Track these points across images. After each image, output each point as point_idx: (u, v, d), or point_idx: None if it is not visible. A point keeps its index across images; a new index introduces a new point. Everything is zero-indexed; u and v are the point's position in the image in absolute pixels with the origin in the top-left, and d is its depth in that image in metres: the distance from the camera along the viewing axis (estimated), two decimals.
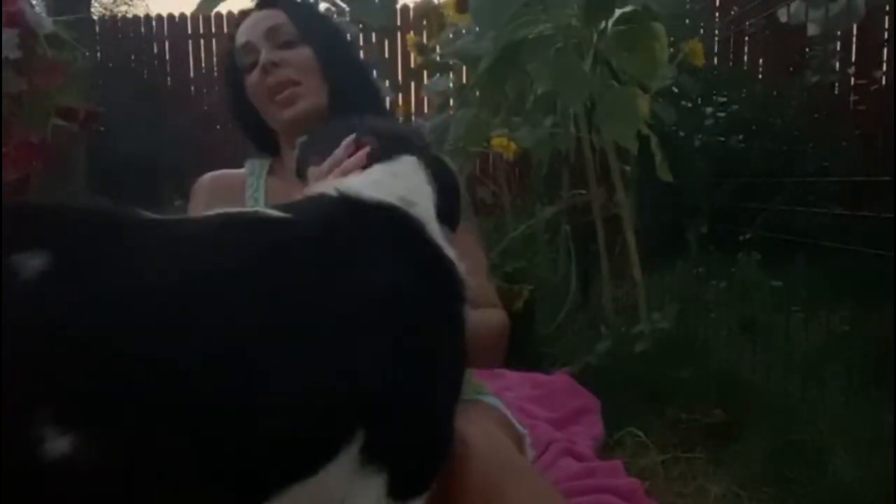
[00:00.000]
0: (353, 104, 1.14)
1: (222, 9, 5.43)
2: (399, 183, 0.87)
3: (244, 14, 1.25)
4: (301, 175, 1.01)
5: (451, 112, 2.65)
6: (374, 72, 4.80)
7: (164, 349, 0.59)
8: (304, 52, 1.18)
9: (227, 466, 0.62)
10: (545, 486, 0.91)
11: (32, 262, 0.57)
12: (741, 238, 2.70)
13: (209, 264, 0.66)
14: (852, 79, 3.80)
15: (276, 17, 1.19)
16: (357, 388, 0.69)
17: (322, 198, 0.82)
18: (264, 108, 1.21)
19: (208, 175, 1.30)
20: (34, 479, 0.54)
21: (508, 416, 1.15)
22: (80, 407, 0.56)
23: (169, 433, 0.59)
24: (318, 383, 0.66)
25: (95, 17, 6.20)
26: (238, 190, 1.26)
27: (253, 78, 1.19)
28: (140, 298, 0.60)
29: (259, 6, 1.24)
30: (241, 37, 1.21)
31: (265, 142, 1.29)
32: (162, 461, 0.59)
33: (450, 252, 0.84)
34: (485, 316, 1.05)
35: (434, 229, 0.85)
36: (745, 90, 3.64)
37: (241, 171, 1.31)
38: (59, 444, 0.54)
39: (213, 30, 5.61)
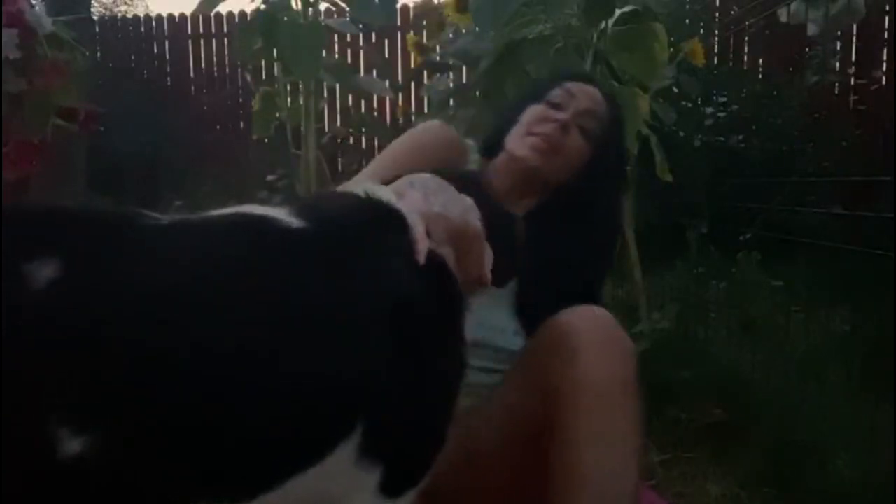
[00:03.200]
0: (569, 209, 1.22)
1: (222, 9, 5.46)
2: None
3: (591, 79, 1.35)
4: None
5: (451, 112, 2.64)
6: (374, 71, 4.82)
7: (169, 348, 0.61)
8: (579, 145, 1.22)
9: (232, 456, 0.64)
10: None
11: (43, 272, 0.58)
12: (741, 238, 2.69)
13: (215, 265, 0.68)
14: (852, 79, 3.80)
15: (601, 111, 1.25)
16: (358, 384, 0.71)
17: (348, 197, 0.86)
18: (519, 134, 1.23)
19: (447, 131, 1.31)
20: (49, 479, 0.56)
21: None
22: (92, 408, 0.57)
23: (175, 428, 0.61)
24: (320, 378, 0.68)
25: (95, 17, 6.20)
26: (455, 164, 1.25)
27: (542, 112, 1.23)
28: (147, 299, 0.62)
29: (605, 96, 1.29)
30: (573, 89, 1.25)
31: (492, 147, 1.28)
32: (168, 455, 0.61)
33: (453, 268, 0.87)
34: None
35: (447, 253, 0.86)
36: (745, 90, 3.64)
37: (469, 146, 1.31)
38: (72, 445, 0.55)
39: (213, 30, 5.61)
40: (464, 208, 0.87)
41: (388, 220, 0.83)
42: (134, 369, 0.59)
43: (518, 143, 1.22)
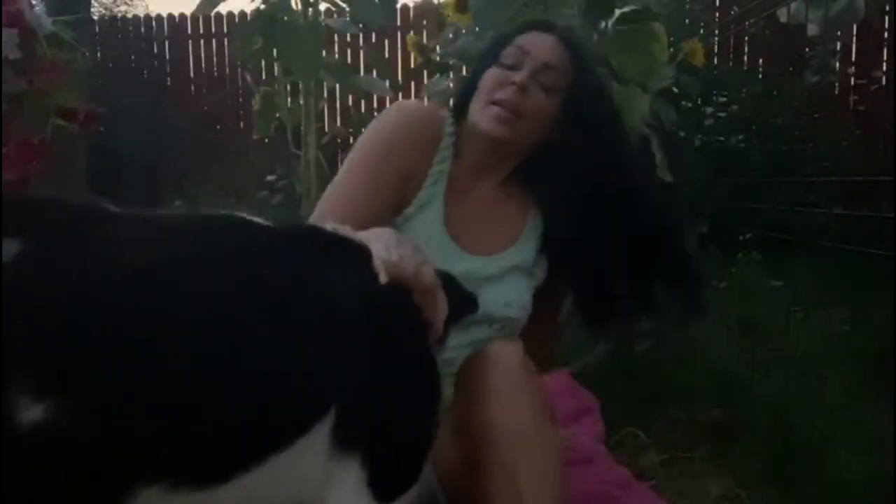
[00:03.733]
0: (546, 164, 1.19)
1: (222, 9, 5.45)
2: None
3: (546, 26, 1.24)
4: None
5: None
6: (374, 71, 4.82)
7: (132, 326, 0.64)
8: (548, 102, 1.17)
9: (202, 435, 0.66)
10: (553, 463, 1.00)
11: (7, 249, 0.62)
12: (741, 238, 2.69)
13: (174, 248, 0.72)
14: (852, 79, 3.80)
15: (562, 59, 1.18)
16: (329, 366, 0.74)
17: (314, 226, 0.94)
18: (479, 105, 1.18)
19: (412, 114, 1.26)
20: (10, 444, 0.58)
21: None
22: (56, 378, 0.60)
23: (142, 403, 0.63)
24: (290, 360, 0.71)
25: (95, 17, 6.20)
26: (428, 152, 1.22)
27: (497, 76, 1.17)
28: (112, 281, 0.65)
29: (561, 36, 1.22)
30: (526, 42, 1.19)
31: (460, 114, 1.24)
32: (128, 430, 0.62)
33: None
34: None
35: None
36: (745, 90, 3.64)
37: (440, 123, 1.24)
38: (32, 413, 0.58)
39: (213, 30, 5.61)
40: (420, 262, 0.90)
41: (352, 243, 0.89)
42: (92, 341, 0.62)
43: (479, 114, 1.17)
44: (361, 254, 0.87)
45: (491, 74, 1.18)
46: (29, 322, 0.61)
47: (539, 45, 1.19)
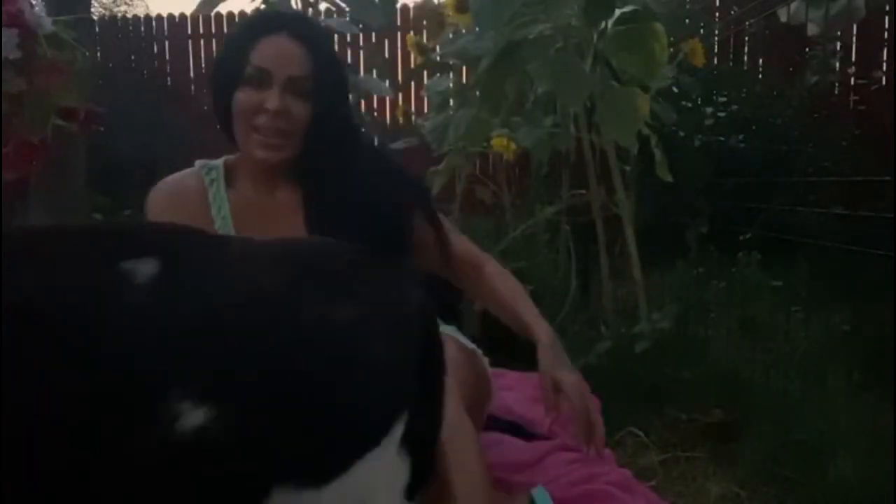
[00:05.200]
0: (328, 156, 1.21)
1: (222, 9, 5.45)
2: None
3: (273, 24, 1.21)
4: None
5: (451, 112, 2.64)
6: (374, 71, 4.82)
7: (270, 338, 0.70)
8: (306, 109, 1.18)
9: (321, 435, 0.71)
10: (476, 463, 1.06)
11: (145, 268, 0.67)
12: (741, 238, 2.69)
13: (292, 273, 0.79)
14: (852, 79, 3.80)
15: (303, 64, 1.18)
16: (406, 374, 0.81)
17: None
18: (244, 132, 1.20)
19: (163, 189, 1.30)
20: (173, 451, 0.62)
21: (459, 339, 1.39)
22: (207, 386, 0.64)
23: (281, 408, 0.68)
24: (387, 364, 0.78)
25: (95, 17, 6.20)
26: (197, 203, 1.27)
27: (250, 102, 1.18)
28: (246, 298, 0.72)
29: (293, 33, 1.19)
30: (263, 60, 1.17)
31: (232, 136, 1.26)
32: (275, 434, 0.68)
33: None
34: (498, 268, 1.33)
35: None
36: (745, 90, 3.64)
37: (195, 175, 1.31)
38: (193, 418, 0.62)
39: (213, 30, 5.60)
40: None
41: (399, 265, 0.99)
42: (240, 352, 0.67)
43: (248, 143, 1.20)
44: (411, 271, 0.97)
45: (243, 99, 1.18)
46: (181, 333, 0.65)
47: (279, 60, 1.17)
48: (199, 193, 1.29)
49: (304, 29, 1.23)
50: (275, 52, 1.18)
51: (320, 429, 0.71)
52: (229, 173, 1.31)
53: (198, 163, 1.34)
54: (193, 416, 0.62)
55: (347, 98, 1.30)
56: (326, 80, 1.20)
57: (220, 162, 1.33)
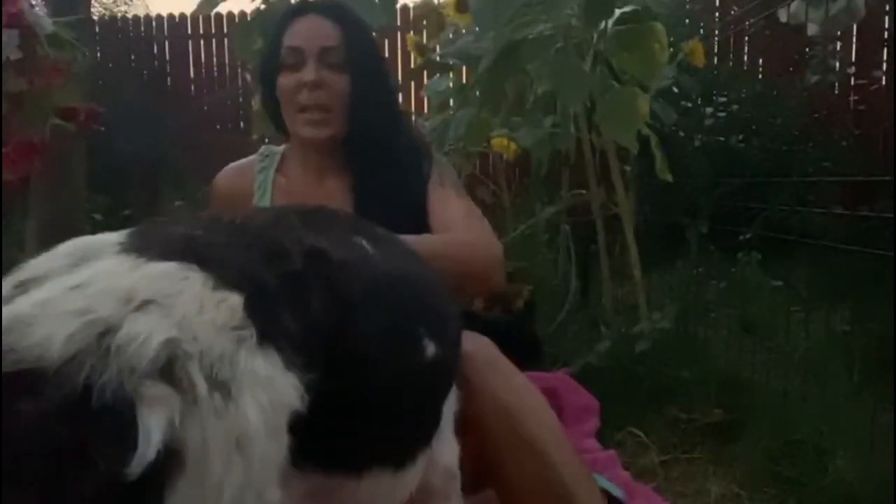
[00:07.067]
0: (373, 135, 1.24)
1: (222, 9, 5.44)
2: None
3: (302, 9, 1.25)
4: None
5: (451, 112, 2.64)
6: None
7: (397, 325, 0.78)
8: (344, 80, 1.21)
9: (415, 421, 0.81)
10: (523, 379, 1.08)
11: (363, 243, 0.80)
12: (741, 238, 2.70)
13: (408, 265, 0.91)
14: (852, 79, 3.80)
15: (332, 34, 1.22)
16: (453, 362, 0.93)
17: None
18: (290, 114, 1.24)
19: (223, 174, 1.36)
20: (422, 369, 0.77)
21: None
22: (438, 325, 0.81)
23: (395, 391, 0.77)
24: (447, 358, 0.88)
25: (95, 17, 6.20)
26: (245, 189, 1.32)
27: (290, 83, 1.22)
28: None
29: (320, 11, 1.24)
30: (295, 39, 1.22)
31: (284, 128, 1.31)
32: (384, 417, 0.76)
33: None
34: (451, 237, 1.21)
35: None
36: (744, 90, 3.64)
37: (253, 161, 1.36)
38: (431, 348, 0.78)
39: (213, 30, 5.60)
40: None
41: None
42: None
43: (295, 125, 1.24)
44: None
45: (283, 82, 1.23)
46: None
47: (308, 34, 1.22)
48: (248, 180, 1.33)
49: (332, 6, 1.26)
50: (305, 29, 1.22)
51: (411, 415, 0.80)
52: (284, 160, 1.34)
53: (262, 148, 1.38)
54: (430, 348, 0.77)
55: (384, 70, 1.31)
56: (359, 50, 1.23)
57: (280, 148, 1.36)
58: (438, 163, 1.31)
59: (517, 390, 1.04)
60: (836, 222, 2.67)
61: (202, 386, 0.50)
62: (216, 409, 0.51)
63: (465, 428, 1.00)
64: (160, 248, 0.59)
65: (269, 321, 0.58)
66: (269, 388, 0.55)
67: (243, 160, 1.38)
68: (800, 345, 1.93)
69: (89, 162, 3.03)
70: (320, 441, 0.63)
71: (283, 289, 0.63)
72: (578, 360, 2.09)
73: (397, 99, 1.39)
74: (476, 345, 1.06)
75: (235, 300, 0.57)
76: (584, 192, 2.50)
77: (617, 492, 1.23)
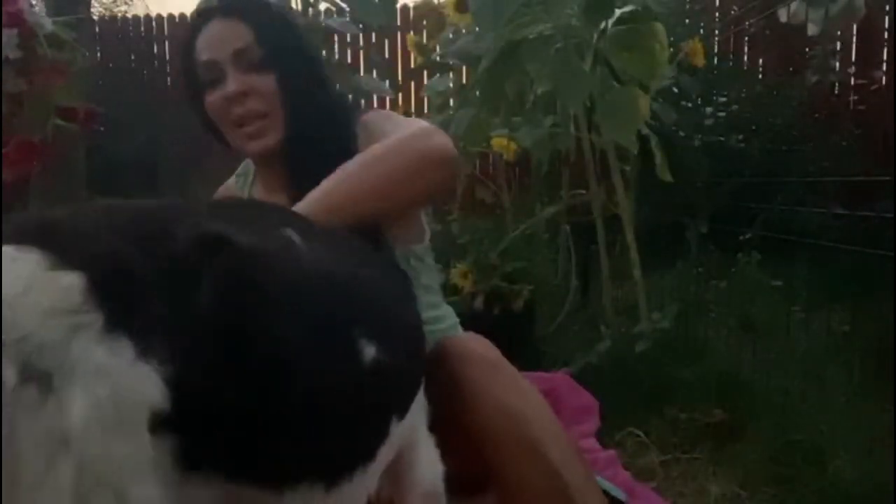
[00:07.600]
0: (314, 132, 1.13)
1: None
2: None
3: (204, 16, 1.16)
4: None
5: (451, 112, 2.64)
6: (374, 71, 4.82)
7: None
8: (269, 80, 1.12)
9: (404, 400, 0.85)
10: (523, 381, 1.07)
11: (293, 236, 0.75)
12: (741, 238, 2.69)
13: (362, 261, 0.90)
14: (852, 79, 3.80)
15: (242, 35, 1.12)
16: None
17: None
18: (230, 133, 1.17)
19: (217, 194, 1.35)
20: (359, 376, 0.72)
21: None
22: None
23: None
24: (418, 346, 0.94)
25: (95, 17, 6.20)
26: None
27: (216, 101, 1.13)
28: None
29: (223, 13, 1.14)
30: (205, 52, 1.13)
31: (226, 144, 1.23)
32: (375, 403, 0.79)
33: None
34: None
35: None
36: (745, 90, 3.64)
37: (234, 178, 1.36)
38: (371, 352, 0.73)
39: None
40: None
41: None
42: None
43: (240, 142, 1.16)
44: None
45: (210, 101, 1.14)
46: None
47: (217, 42, 1.12)
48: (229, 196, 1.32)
49: (235, 5, 1.16)
50: (213, 37, 1.13)
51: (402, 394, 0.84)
52: (257, 175, 1.30)
53: (240, 166, 1.35)
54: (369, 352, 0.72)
55: (310, 55, 1.21)
56: (275, 42, 1.13)
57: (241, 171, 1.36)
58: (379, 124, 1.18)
59: (520, 392, 1.03)
60: (836, 222, 2.67)
61: (10, 377, 0.46)
62: (28, 403, 0.46)
63: (464, 430, 1.00)
64: (9, 232, 0.54)
65: (124, 306, 0.52)
66: (111, 381, 0.49)
67: (230, 179, 1.34)
68: (800, 345, 1.93)
69: (89, 162, 3.03)
70: (222, 446, 0.58)
71: (160, 274, 0.56)
72: (578, 360, 2.09)
73: (332, 85, 1.26)
74: (477, 345, 1.06)
75: (72, 281, 0.51)
76: (584, 192, 2.50)
77: (617, 492, 1.23)
